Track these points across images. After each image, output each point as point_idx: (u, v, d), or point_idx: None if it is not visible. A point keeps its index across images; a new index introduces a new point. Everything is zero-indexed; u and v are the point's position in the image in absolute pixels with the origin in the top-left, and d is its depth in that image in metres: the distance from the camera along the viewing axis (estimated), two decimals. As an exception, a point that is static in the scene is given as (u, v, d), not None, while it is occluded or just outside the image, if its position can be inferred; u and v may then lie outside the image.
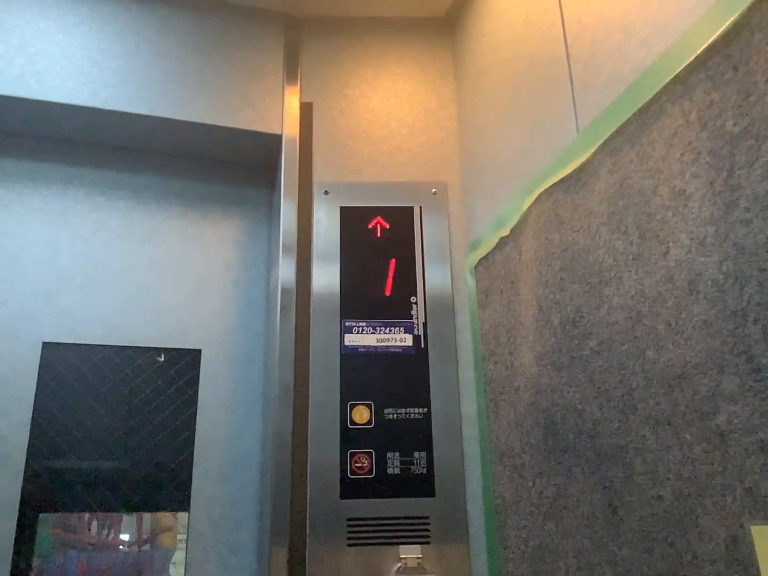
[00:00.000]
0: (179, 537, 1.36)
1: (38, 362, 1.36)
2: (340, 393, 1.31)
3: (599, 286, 0.88)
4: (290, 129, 1.50)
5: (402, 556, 1.20)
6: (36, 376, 1.35)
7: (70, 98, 1.38)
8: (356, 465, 1.26)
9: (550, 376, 1.00)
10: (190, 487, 1.38)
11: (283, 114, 1.52)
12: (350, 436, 1.28)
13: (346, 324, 1.36)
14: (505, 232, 1.21)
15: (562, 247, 0.99)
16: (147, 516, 1.35)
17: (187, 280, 1.52)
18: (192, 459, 1.40)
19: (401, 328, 1.36)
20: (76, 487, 1.32)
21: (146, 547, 1.34)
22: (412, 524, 1.23)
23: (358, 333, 1.35)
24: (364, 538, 1.22)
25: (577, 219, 0.96)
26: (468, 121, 1.50)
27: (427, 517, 1.24)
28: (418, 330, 1.36)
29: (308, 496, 1.24)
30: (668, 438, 0.73)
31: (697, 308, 0.69)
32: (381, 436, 1.28)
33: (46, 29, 1.41)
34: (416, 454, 1.28)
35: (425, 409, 1.31)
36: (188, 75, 1.49)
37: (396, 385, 1.32)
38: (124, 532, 1.34)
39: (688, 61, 0.73)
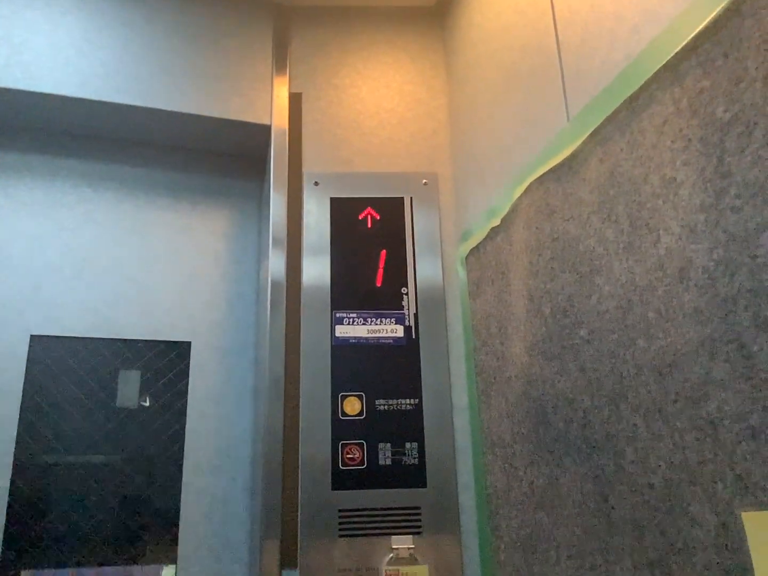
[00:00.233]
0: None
1: (26, 355, 1.35)
2: (331, 384, 1.30)
3: (590, 275, 0.88)
4: (279, 119, 1.49)
5: (394, 547, 1.21)
6: (24, 369, 1.34)
7: (57, 89, 1.36)
8: (348, 456, 1.26)
9: (541, 366, 1.00)
10: (180, 480, 1.37)
11: (272, 104, 1.50)
12: (341, 428, 1.28)
13: (337, 315, 1.35)
14: (496, 222, 1.21)
15: (552, 237, 0.99)
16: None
17: (177, 272, 1.51)
18: (182, 452, 1.39)
19: (392, 319, 1.35)
20: (63, 484, 1.31)
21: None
22: (404, 515, 1.23)
23: (348, 324, 1.35)
24: (356, 529, 1.22)
25: (567, 208, 0.95)
26: (459, 111, 1.49)
27: (418, 508, 1.24)
28: (409, 321, 1.36)
29: (300, 488, 1.24)
30: (659, 426, 0.73)
31: (688, 296, 0.69)
32: (372, 428, 1.28)
33: (32, 19, 1.39)
34: (408, 445, 1.28)
35: (416, 400, 1.31)
36: (176, 65, 1.47)
37: (387, 376, 1.32)
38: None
39: (678, 48, 0.72)
